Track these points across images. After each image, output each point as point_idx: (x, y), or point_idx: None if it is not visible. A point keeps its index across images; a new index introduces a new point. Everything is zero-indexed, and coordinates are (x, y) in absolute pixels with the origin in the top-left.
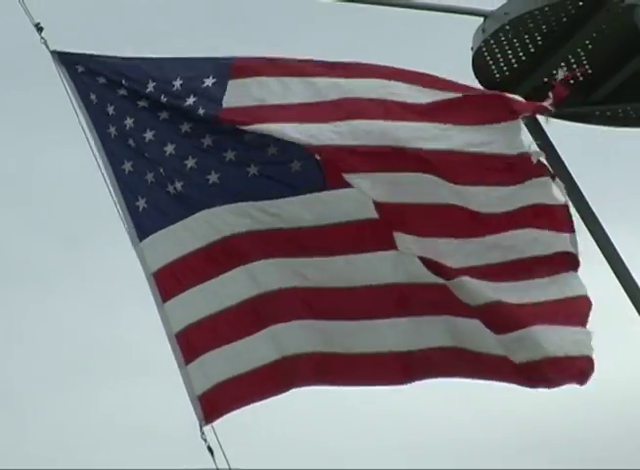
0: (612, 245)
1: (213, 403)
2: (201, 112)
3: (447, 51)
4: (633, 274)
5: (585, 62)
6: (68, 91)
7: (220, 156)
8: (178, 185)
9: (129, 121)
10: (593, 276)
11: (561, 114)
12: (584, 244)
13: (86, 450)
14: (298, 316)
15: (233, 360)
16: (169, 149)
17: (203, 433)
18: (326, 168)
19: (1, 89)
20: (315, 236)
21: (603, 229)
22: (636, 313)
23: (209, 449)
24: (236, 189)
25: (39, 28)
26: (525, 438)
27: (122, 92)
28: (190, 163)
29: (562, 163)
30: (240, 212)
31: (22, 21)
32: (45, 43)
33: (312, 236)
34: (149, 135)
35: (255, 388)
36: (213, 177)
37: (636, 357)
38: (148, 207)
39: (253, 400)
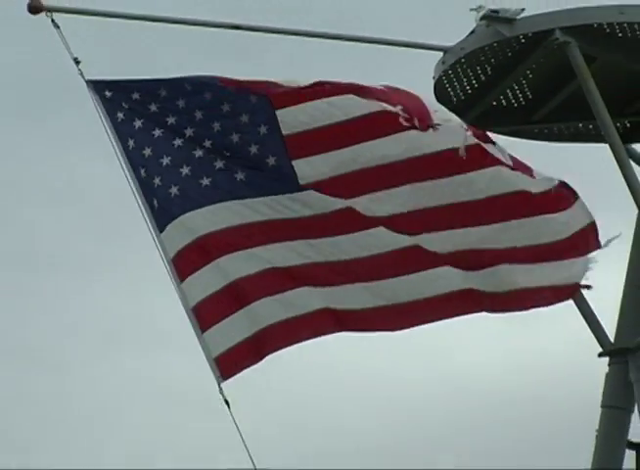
0: None
1: (228, 363)
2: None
3: (414, 79)
4: None
5: (527, 88)
6: (99, 112)
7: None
8: (207, 181)
9: (157, 132)
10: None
11: (508, 131)
12: None
13: (119, 408)
14: (304, 284)
15: (241, 326)
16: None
17: (221, 389)
18: None
19: (45, 111)
20: (315, 223)
21: None
22: None
23: (226, 402)
24: (249, 187)
25: (77, 62)
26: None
27: (153, 108)
28: (218, 164)
29: None
30: (248, 206)
31: (60, 53)
32: (81, 74)
33: (312, 223)
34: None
35: (263, 346)
36: (240, 175)
37: None
38: (162, 206)
39: (262, 357)
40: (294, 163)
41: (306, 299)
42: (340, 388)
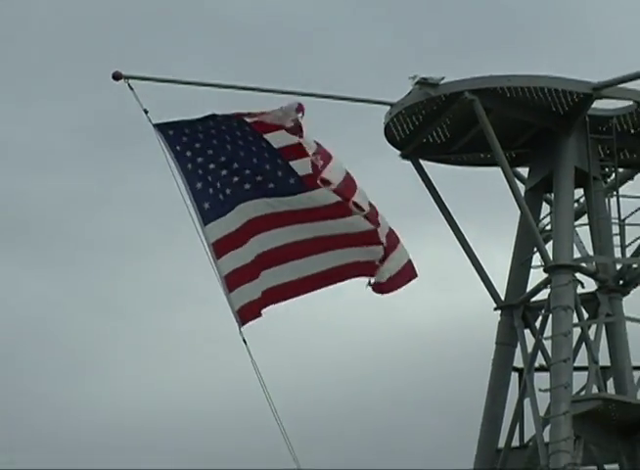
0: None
1: (245, 314)
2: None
3: (370, 125)
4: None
5: (447, 129)
6: (162, 146)
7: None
8: (227, 193)
9: (200, 160)
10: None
11: (434, 159)
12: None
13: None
14: (286, 261)
15: (251, 291)
16: (224, 172)
17: (241, 332)
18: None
19: (126, 143)
20: (302, 214)
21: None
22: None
23: (244, 341)
24: (259, 192)
25: (146, 111)
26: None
27: (197, 144)
28: (236, 178)
29: (436, 191)
30: (261, 204)
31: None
32: (149, 120)
33: (301, 214)
34: (211, 166)
35: (262, 304)
36: (247, 186)
37: None
38: (209, 210)
39: (268, 306)
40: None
41: (292, 270)
42: (324, 333)
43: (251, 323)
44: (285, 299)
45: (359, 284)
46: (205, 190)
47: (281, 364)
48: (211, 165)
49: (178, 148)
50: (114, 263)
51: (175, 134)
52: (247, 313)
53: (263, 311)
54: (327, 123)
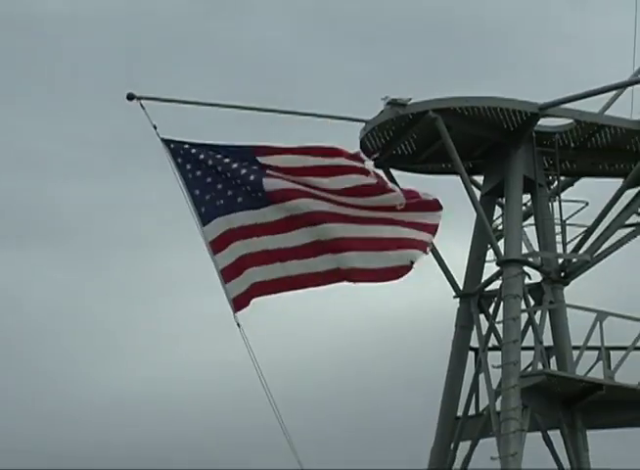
0: None
1: (238, 302)
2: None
3: (348, 139)
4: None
5: (414, 143)
6: (168, 157)
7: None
8: (221, 202)
9: (198, 173)
10: None
11: (403, 168)
12: None
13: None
14: (273, 262)
15: (242, 282)
16: (219, 186)
17: (235, 317)
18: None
19: (139, 151)
20: (281, 223)
21: None
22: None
23: (238, 324)
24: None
25: (155, 127)
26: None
27: (198, 157)
28: (230, 192)
29: None
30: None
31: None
32: (157, 134)
33: (280, 223)
34: (208, 179)
35: (251, 295)
36: (239, 199)
37: None
38: (205, 213)
39: (259, 296)
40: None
41: (277, 270)
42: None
43: (243, 311)
44: (269, 293)
45: None
46: (202, 196)
47: (272, 347)
48: (208, 179)
49: (180, 160)
50: (129, 258)
51: (178, 148)
52: (240, 302)
53: (252, 302)
54: (312, 137)
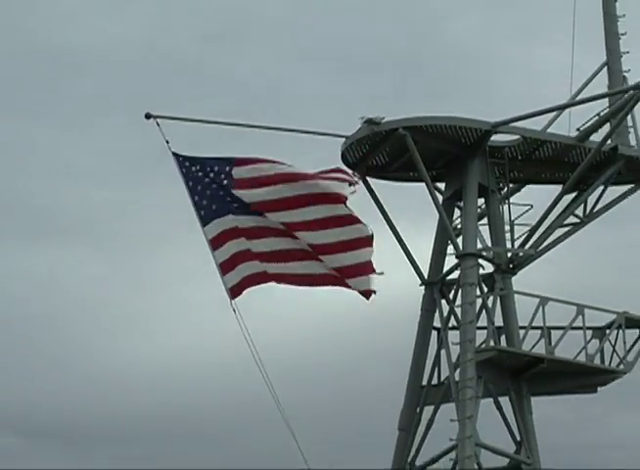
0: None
1: (235, 291)
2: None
3: (331, 151)
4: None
5: (386, 155)
6: (177, 167)
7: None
8: (214, 207)
9: (196, 181)
10: None
11: (378, 176)
12: None
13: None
14: (258, 259)
15: (236, 275)
16: (211, 193)
17: (231, 303)
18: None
19: (155, 163)
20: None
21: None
22: None
23: (233, 310)
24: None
25: (167, 141)
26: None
27: (195, 168)
28: (220, 199)
29: (378, 199)
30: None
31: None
32: (169, 148)
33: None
34: (203, 187)
35: (249, 283)
36: (226, 205)
37: None
38: (204, 215)
39: (249, 287)
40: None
41: (259, 266)
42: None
43: (238, 298)
44: (256, 284)
45: None
46: (201, 201)
47: (265, 326)
48: (203, 187)
49: (184, 170)
50: (149, 252)
51: (184, 160)
52: (235, 292)
53: (245, 291)
54: (300, 150)
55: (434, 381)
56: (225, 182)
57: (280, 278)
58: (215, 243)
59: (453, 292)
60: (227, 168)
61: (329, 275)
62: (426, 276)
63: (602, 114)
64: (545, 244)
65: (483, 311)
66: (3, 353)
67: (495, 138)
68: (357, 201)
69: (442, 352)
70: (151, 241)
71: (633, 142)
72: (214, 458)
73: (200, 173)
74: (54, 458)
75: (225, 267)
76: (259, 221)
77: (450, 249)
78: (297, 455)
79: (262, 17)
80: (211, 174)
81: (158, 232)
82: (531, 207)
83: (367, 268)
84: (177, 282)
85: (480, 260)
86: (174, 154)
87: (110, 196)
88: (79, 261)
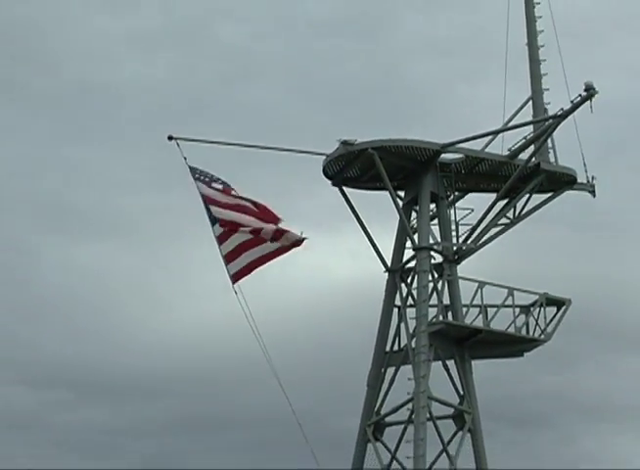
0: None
1: (236, 276)
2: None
3: (314, 166)
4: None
5: (358, 169)
6: (192, 177)
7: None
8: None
9: (206, 189)
10: None
11: (352, 186)
12: None
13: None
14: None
15: (240, 263)
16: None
17: (233, 288)
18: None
19: (178, 176)
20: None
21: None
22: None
23: (235, 292)
24: None
25: (185, 158)
26: None
27: (205, 179)
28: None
29: (352, 205)
30: None
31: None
32: (187, 163)
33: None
34: (217, 196)
35: (249, 269)
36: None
37: None
38: (214, 216)
39: (250, 272)
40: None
41: (257, 252)
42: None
43: (239, 282)
44: (255, 268)
45: (308, 258)
46: (212, 205)
47: (262, 305)
48: (211, 193)
49: (198, 182)
50: (169, 245)
51: (197, 172)
52: (237, 276)
53: (244, 278)
54: (292, 166)
55: (396, 347)
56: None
57: (264, 258)
58: (222, 238)
59: (410, 277)
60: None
61: (275, 251)
62: (389, 265)
63: (528, 137)
64: (483, 240)
65: (434, 293)
66: (60, 328)
67: (444, 156)
68: (334, 206)
69: (402, 324)
70: (171, 237)
71: (552, 160)
72: (224, 407)
73: (209, 182)
74: (98, 407)
75: (230, 257)
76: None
77: (408, 243)
78: (287, 406)
79: (263, 61)
80: (216, 185)
81: (176, 230)
82: (472, 210)
83: (281, 233)
84: (192, 270)
85: (432, 253)
86: (190, 167)
87: (139, 202)
88: (116, 254)
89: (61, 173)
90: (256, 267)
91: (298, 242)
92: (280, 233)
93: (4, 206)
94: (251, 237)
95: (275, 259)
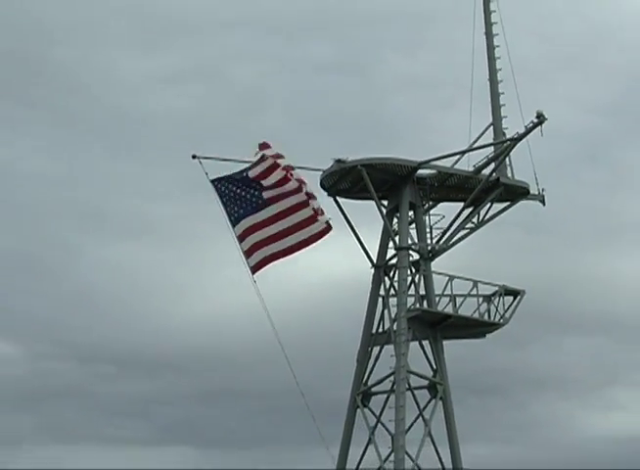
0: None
1: (254, 268)
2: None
3: (313, 180)
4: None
5: (349, 182)
6: (214, 187)
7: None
8: (242, 211)
9: (227, 196)
10: None
11: (345, 195)
12: None
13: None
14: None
15: (257, 257)
16: (238, 202)
17: (251, 277)
18: None
19: (202, 188)
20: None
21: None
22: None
23: (254, 281)
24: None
25: (206, 173)
26: None
27: (227, 186)
28: (242, 205)
29: (344, 212)
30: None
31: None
32: (208, 178)
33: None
34: (232, 199)
35: (264, 263)
36: (247, 208)
37: None
38: (236, 218)
39: (265, 266)
40: None
41: (266, 251)
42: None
43: (257, 274)
44: (269, 263)
45: (308, 256)
46: (232, 208)
47: (274, 295)
48: (232, 198)
49: (221, 189)
50: (191, 245)
51: (219, 182)
52: (255, 269)
53: (262, 270)
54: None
55: (380, 330)
56: (246, 182)
57: (276, 255)
58: (241, 237)
59: (392, 272)
60: (244, 174)
61: (297, 244)
62: (375, 262)
63: (489, 156)
64: (452, 241)
65: (412, 285)
66: (102, 314)
67: (420, 172)
68: (330, 213)
69: (385, 311)
70: (193, 238)
71: (510, 175)
72: (240, 380)
73: (230, 185)
74: (134, 379)
75: (248, 253)
76: (268, 212)
77: (391, 244)
78: (292, 380)
79: (271, 94)
80: (237, 183)
81: (197, 233)
82: (443, 216)
83: (309, 221)
84: (211, 265)
85: (410, 252)
86: (212, 181)
87: (166, 209)
88: (145, 253)
89: (100, 185)
90: (275, 260)
91: (324, 232)
92: (318, 212)
93: (53, 211)
94: (269, 236)
95: (294, 254)
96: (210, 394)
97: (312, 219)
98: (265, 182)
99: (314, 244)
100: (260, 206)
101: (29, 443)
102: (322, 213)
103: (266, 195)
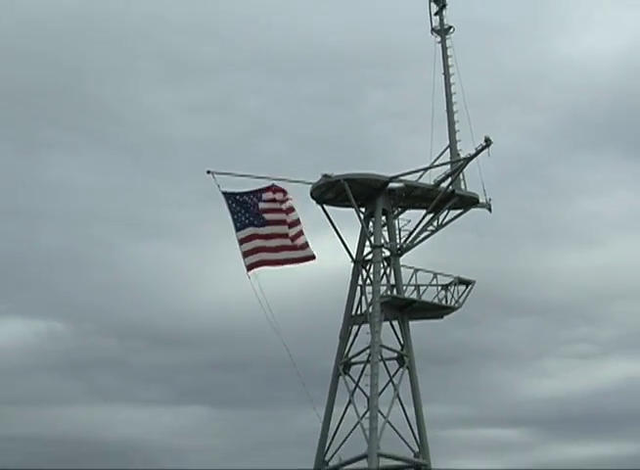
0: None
1: (250, 267)
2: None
3: (303, 191)
4: None
5: (334, 192)
6: (224, 201)
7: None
8: (247, 221)
9: (235, 207)
10: None
11: (331, 203)
12: None
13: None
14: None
15: (257, 257)
16: (245, 212)
17: (247, 275)
18: None
19: (216, 201)
20: (266, 235)
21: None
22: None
23: (249, 277)
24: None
25: (219, 186)
26: None
27: (236, 199)
28: (248, 215)
29: (329, 217)
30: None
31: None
32: (220, 190)
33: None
34: (250, 214)
35: (260, 265)
36: (251, 220)
37: None
38: (239, 225)
39: (261, 266)
40: None
41: (266, 256)
42: None
43: (251, 272)
44: (264, 265)
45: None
46: (239, 216)
47: (270, 288)
48: (238, 209)
49: (229, 202)
50: (202, 244)
51: (228, 195)
52: (250, 267)
53: (257, 269)
54: (290, 191)
55: (359, 312)
56: (258, 203)
57: (275, 262)
58: (243, 241)
59: (368, 266)
60: (260, 195)
61: (294, 258)
62: (354, 257)
63: (446, 172)
64: (417, 241)
65: (384, 276)
66: (136, 299)
67: (391, 185)
68: (316, 218)
69: (363, 297)
70: (204, 239)
71: (463, 187)
72: (243, 353)
73: (243, 197)
74: (160, 352)
75: (247, 254)
76: (271, 230)
77: (367, 243)
78: (286, 353)
79: (272, 122)
80: (250, 200)
81: (209, 234)
82: (409, 221)
83: (300, 247)
84: (218, 263)
85: (383, 249)
86: (223, 193)
87: (185, 215)
88: (168, 250)
89: (134, 196)
90: (266, 266)
91: (309, 258)
92: (305, 245)
93: (97, 217)
94: (266, 246)
95: (282, 266)
96: (221, 364)
97: (303, 247)
98: (268, 216)
99: (298, 264)
100: (262, 224)
101: (81, 403)
102: (308, 246)
103: (268, 217)
